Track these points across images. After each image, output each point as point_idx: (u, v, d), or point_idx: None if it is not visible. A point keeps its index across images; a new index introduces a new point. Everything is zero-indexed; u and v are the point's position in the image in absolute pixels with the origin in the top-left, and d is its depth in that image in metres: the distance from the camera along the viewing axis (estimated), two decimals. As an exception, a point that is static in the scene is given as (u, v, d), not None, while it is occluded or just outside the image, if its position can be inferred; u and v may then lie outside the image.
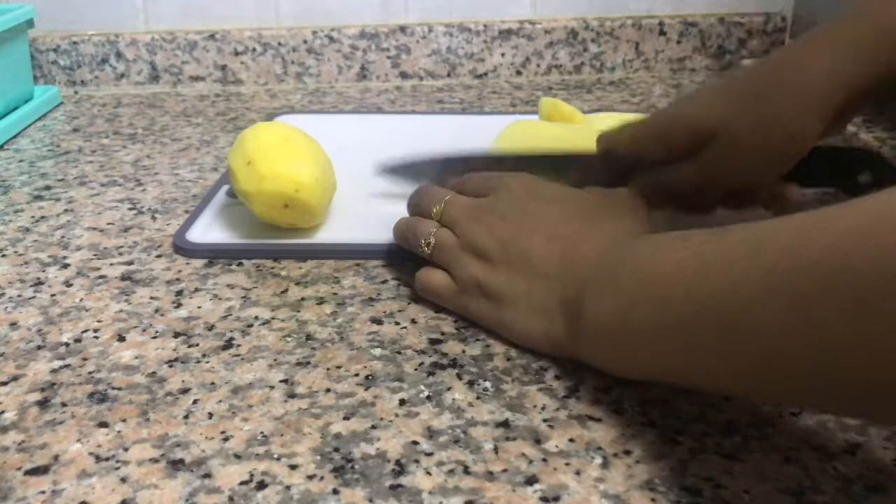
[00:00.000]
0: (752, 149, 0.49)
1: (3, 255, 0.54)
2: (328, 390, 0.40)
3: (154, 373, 0.41)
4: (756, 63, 0.52)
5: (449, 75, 0.97)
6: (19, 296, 0.49)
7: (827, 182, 0.55)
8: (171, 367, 0.42)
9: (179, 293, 0.49)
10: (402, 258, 0.52)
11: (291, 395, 0.39)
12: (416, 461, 0.35)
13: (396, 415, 0.38)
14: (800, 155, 0.49)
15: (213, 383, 0.41)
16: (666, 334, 0.34)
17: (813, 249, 0.28)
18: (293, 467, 0.35)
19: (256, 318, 0.46)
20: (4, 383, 0.41)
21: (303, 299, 0.48)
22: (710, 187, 0.52)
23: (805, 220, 0.29)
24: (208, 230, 0.56)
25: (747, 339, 0.30)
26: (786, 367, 0.29)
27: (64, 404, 0.39)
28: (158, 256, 0.54)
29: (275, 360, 0.42)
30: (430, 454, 0.35)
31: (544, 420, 0.38)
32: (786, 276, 0.28)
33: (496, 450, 0.36)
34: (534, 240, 0.43)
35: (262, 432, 0.37)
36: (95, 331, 0.45)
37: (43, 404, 0.39)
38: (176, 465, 0.35)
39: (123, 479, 0.34)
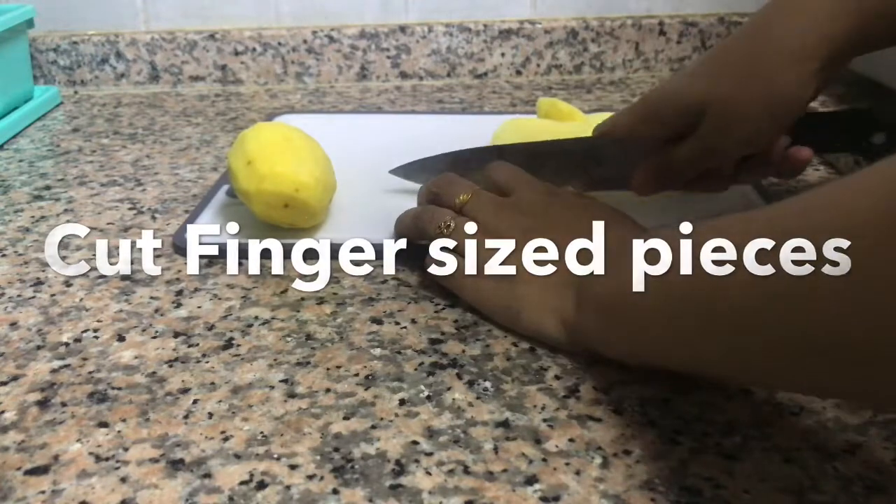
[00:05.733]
0: (744, 114, 0.49)
1: (3, 255, 0.54)
2: (328, 390, 0.40)
3: (154, 373, 0.41)
4: (736, 31, 0.52)
5: (449, 75, 0.97)
6: (19, 296, 0.49)
7: (841, 147, 0.53)
8: (171, 367, 0.42)
9: (179, 293, 0.49)
10: (403, 258, 0.52)
11: (291, 395, 0.39)
12: (416, 461, 0.35)
13: (396, 415, 0.38)
14: (794, 113, 0.49)
15: (213, 383, 0.41)
16: (659, 303, 0.35)
17: (787, 217, 0.30)
18: (293, 467, 0.35)
19: (256, 317, 0.46)
20: (4, 383, 0.41)
21: (303, 299, 0.48)
22: (714, 162, 0.53)
23: (791, 199, 0.31)
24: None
25: (721, 306, 0.31)
26: (752, 331, 0.30)
27: (64, 404, 0.39)
28: (158, 256, 0.54)
29: (275, 359, 0.42)
30: (430, 454, 0.35)
31: (544, 420, 0.38)
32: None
33: (496, 450, 0.36)
34: (556, 232, 0.44)
35: (262, 432, 0.37)
36: (95, 331, 0.45)
37: (43, 404, 0.39)
38: (176, 465, 0.35)
39: (123, 479, 0.34)
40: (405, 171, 0.60)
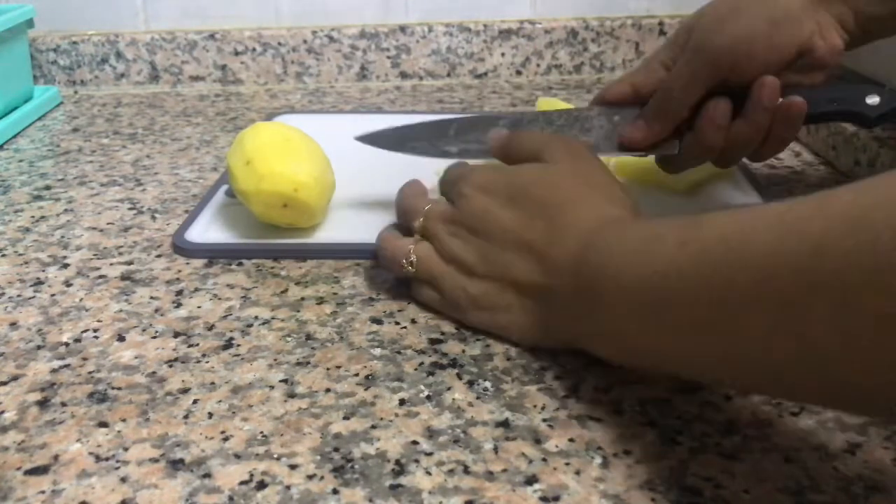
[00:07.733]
0: (736, 21, 0.49)
1: (3, 255, 0.54)
2: (328, 390, 0.40)
3: (154, 373, 0.41)
4: None
5: (449, 75, 0.97)
6: (19, 296, 0.49)
7: (835, 115, 0.53)
8: (171, 367, 0.42)
9: (179, 293, 0.49)
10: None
11: (291, 395, 0.39)
12: (416, 461, 0.35)
13: (396, 415, 0.38)
14: (791, 43, 0.49)
15: (213, 383, 0.41)
16: (657, 313, 0.34)
17: (800, 254, 0.27)
18: (293, 467, 0.35)
19: (256, 317, 0.46)
20: (4, 383, 0.41)
21: (302, 299, 0.48)
22: (702, 85, 0.51)
23: (785, 218, 0.29)
24: (208, 230, 0.56)
25: (736, 336, 0.30)
26: (768, 364, 0.29)
27: (64, 404, 0.39)
28: (158, 256, 0.54)
29: (275, 359, 0.42)
30: (430, 454, 0.35)
31: (544, 420, 0.38)
32: (774, 283, 0.28)
33: (496, 450, 0.36)
34: (507, 254, 0.43)
35: (262, 432, 0.37)
36: (95, 331, 0.45)
37: (43, 404, 0.39)
38: (176, 464, 0.35)
39: (123, 479, 0.34)
40: (373, 141, 0.57)
